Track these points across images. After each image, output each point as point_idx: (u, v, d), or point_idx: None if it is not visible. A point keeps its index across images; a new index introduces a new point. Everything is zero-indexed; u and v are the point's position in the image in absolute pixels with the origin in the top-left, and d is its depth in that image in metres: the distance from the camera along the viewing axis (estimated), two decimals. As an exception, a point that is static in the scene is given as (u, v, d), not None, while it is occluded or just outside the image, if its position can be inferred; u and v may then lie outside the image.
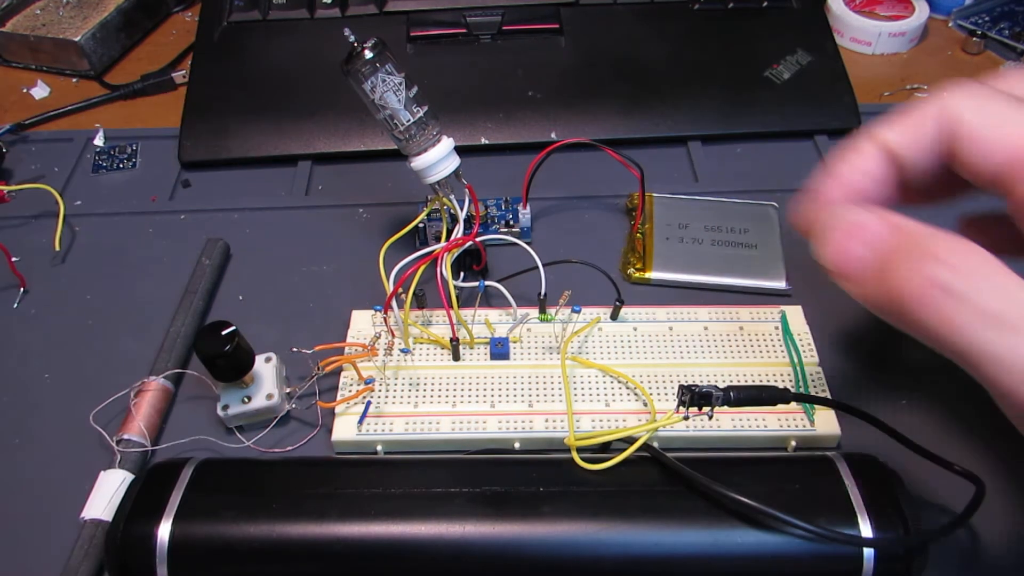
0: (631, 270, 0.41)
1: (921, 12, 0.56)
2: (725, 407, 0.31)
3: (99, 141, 0.51)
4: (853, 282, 0.25)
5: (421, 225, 0.42)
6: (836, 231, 0.25)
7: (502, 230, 0.43)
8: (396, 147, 0.38)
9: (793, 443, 0.34)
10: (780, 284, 0.40)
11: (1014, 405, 0.23)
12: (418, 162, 0.37)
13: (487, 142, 0.49)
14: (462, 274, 0.40)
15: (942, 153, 0.26)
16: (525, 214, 0.43)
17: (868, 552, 0.28)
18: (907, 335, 0.33)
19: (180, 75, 0.56)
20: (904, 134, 0.26)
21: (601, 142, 0.43)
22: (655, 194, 0.44)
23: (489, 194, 0.44)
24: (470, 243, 0.38)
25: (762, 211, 0.44)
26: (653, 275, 0.41)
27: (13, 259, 0.43)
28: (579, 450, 0.31)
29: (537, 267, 0.37)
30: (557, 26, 0.53)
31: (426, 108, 0.37)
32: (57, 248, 0.44)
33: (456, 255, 0.38)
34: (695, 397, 0.30)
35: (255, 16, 0.55)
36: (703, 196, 0.44)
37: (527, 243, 0.38)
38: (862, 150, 0.27)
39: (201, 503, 0.29)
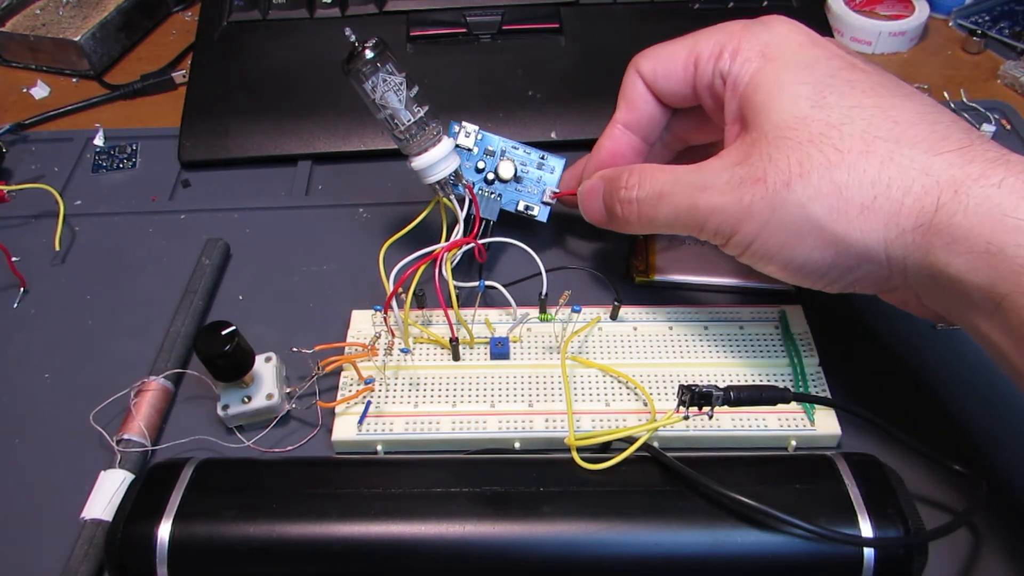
0: (635, 274, 0.41)
1: (921, 11, 0.56)
2: (725, 407, 0.31)
3: (99, 141, 0.51)
4: (603, 226, 0.37)
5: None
6: (581, 198, 0.38)
7: (521, 210, 0.42)
8: (396, 147, 0.38)
9: (793, 443, 0.34)
10: (786, 285, 0.40)
11: (723, 243, 0.32)
12: (418, 162, 0.37)
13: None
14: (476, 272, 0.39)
15: (654, 100, 0.37)
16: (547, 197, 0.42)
17: (868, 552, 0.28)
18: (906, 335, 0.37)
19: (180, 75, 0.56)
20: (625, 109, 0.37)
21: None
22: None
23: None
24: (470, 243, 0.38)
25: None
26: (657, 278, 0.40)
27: (13, 259, 0.43)
28: (579, 450, 0.31)
29: (540, 272, 0.37)
30: (557, 26, 0.53)
31: (427, 108, 0.37)
32: (57, 248, 0.44)
33: (456, 256, 0.38)
34: (695, 397, 0.30)
35: (255, 16, 0.55)
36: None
37: (527, 244, 0.38)
38: (608, 135, 0.38)
39: (201, 503, 0.29)
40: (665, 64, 0.35)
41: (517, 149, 0.42)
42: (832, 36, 0.53)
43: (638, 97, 0.37)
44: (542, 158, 0.42)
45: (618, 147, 0.38)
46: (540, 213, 0.42)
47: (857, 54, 0.33)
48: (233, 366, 0.34)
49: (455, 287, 0.37)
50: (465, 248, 0.39)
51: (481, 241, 0.39)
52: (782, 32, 0.32)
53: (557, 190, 0.42)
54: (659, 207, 0.33)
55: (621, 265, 0.42)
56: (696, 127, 0.39)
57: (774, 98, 0.30)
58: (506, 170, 0.41)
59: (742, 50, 0.32)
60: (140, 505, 0.29)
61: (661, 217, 0.34)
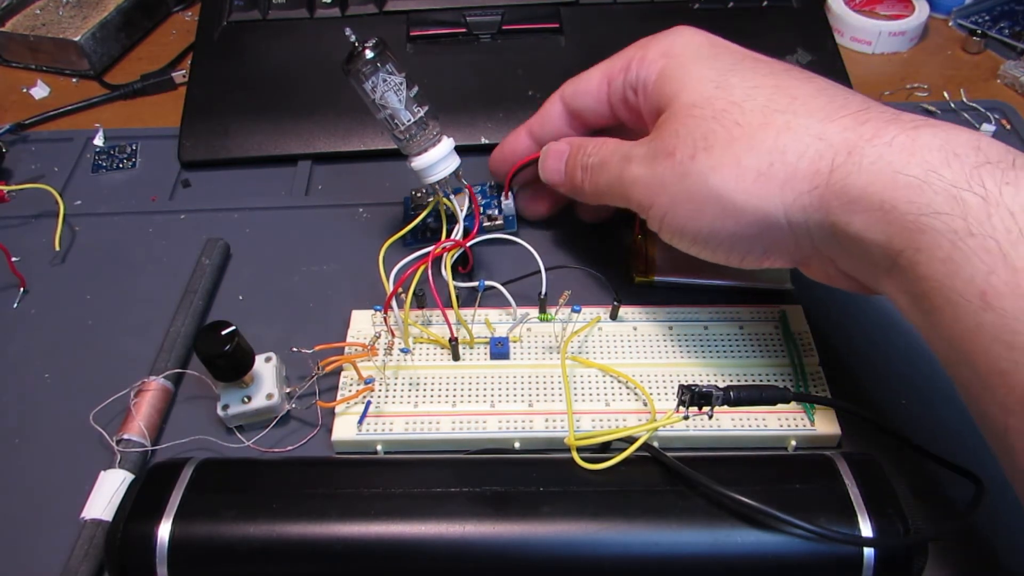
0: (635, 273, 0.41)
1: (921, 11, 0.56)
2: (725, 407, 0.31)
3: (99, 141, 0.51)
4: (557, 185, 0.39)
5: (429, 220, 0.42)
6: (542, 157, 0.39)
7: (486, 223, 0.43)
8: (396, 147, 0.38)
9: (793, 443, 0.34)
10: (785, 285, 0.40)
11: (646, 216, 0.34)
12: (418, 162, 0.37)
13: (487, 141, 0.49)
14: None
15: (566, 120, 0.39)
16: (508, 204, 0.44)
17: (868, 552, 0.28)
18: (906, 335, 0.37)
19: (180, 75, 0.56)
20: (537, 119, 0.41)
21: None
22: None
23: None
24: (461, 247, 0.38)
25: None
26: (657, 278, 0.40)
27: (13, 259, 0.43)
28: (579, 450, 0.31)
29: (540, 271, 0.37)
30: (557, 25, 0.53)
31: (426, 108, 0.37)
32: (57, 248, 0.44)
33: (456, 255, 0.38)
34: (695, 397, 0.30)
35: (255, 16, 0.55)
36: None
37: (527, 243, 0.38)
38: (514, 133, 0.42)
39: (201, 503, 0.29)
40: (583, 86, 0.38)
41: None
42: (832, 36, 0.54)
43: (552, 113, 0.40)
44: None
45: (517, 148, 0.41)
46: (506, 222, 0.43)
47: (753, 51, 0.34)
48: (233, 366, 0.34)
49: (455, 287, 0.37)
50: (471, 242, 0.39)
51: (481, 239, 0.39)
52: (685, 35, 0.35)
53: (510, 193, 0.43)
54: (600, 175, 0.35)
55: (621, 265, 0.42)
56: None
57: (682, 84, 0.32)
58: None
59: (647, 56, 0.35)
60: (140, 505, 0.29)
61: (602, 185, 0.36)
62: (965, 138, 0.26)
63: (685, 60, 0.33)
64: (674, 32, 0.35)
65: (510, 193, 0.43)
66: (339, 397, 0.36)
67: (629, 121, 0.37)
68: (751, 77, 0.31)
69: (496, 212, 0.44)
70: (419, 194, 0.44)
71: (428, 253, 0.37)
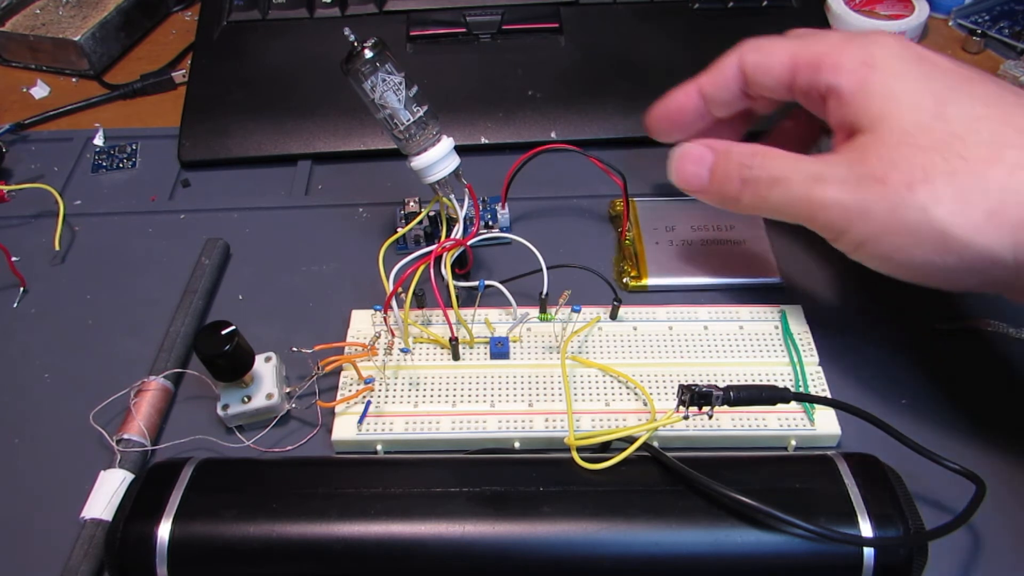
0: (627, 279, 0.41)
1: (921, 11, 0.56)
2: (725, 407, 0.31)
3: (99, 141, 0.51)
4: (693, 191, 0.37)
5: (425, 223, 0.42)
6: (675, 159, 0.37)
7: (482, 230, 0.43)
8: (396, 147, 0.38)
9: (793, 443, 0.34)
10: (774, 279, 0.40)
11: (833, 238, 0.33)
12: (418, 162, 0.37)
13: (487, 142, 0.49)
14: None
15: (741, 85, 0.37)
16: (504, 214, 0.44)
17: (868, 552, 0.28)
18: (906, 335, 0.37)
19: (180, 75, 0.56)
20: (711, 77, 0.38)
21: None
22: (637, 199, 0.44)
23: (488, 193, 0.44)
24: (461, 246, 0.38)
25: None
26: (650, 282, 0.41)
27: (13, 259, 0.43)
28: (579, 450, 0.31)
29: (540, 269, 0.37)
30: (557, 25, 0.53)
31: (426, 108, 0.37)
32: (57, 248, 0.44)
33: (456, 255, 0.38)
34: (695, 397, 0.30)
35: (255, 16, 0.55)
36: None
37: (528, 242, 0.38)
38: (683, 89, 0.39)
39: (201, 503, 0.29)
40: (766, 62, 0.36)
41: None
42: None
43: (727, 76, 0.37)
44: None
45: (686, 104, 0.39)
46: (502, 220, 0.43)
47: (965, 64, 0.32)
48: (233, 366, 0.34)
49: (455, 287, 0.37)
50: (472, 242, 0.39)
51: (481, 237, 0.39)
52: (890, 45, 0.33)
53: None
54: (773, 191, 0.33)
55: (612, 271, 0.42)
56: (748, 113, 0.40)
57: (892, 107, 0.31)
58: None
59: (843, 62, 0.33)
60: (140, 505, 0.29)
61: (772, 201, 0.34)
62: None
63: (892, 77, 0.31)
64: (875, 40, 0.33)
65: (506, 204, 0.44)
66: (339, 397, 0.36)
67: (812, 108, 0.36)
68: (970, 106, 0.30)
69: (492, 221, 0.44)
70: (412, 203, 0.44)
71: (428, 253, 0.37)
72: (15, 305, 0.42)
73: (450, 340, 0.36)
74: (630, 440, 0.31)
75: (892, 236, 0.30)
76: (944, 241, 0.29)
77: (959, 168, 0.29)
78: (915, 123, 0.30)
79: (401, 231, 0.41)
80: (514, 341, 0.38)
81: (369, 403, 0.35)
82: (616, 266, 0.42)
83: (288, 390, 0.36)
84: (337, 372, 0.37)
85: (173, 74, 0.56)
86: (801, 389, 0.35)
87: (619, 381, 0.36)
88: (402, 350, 0.37)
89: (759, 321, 0.38)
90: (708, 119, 0.40)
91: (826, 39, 0.34)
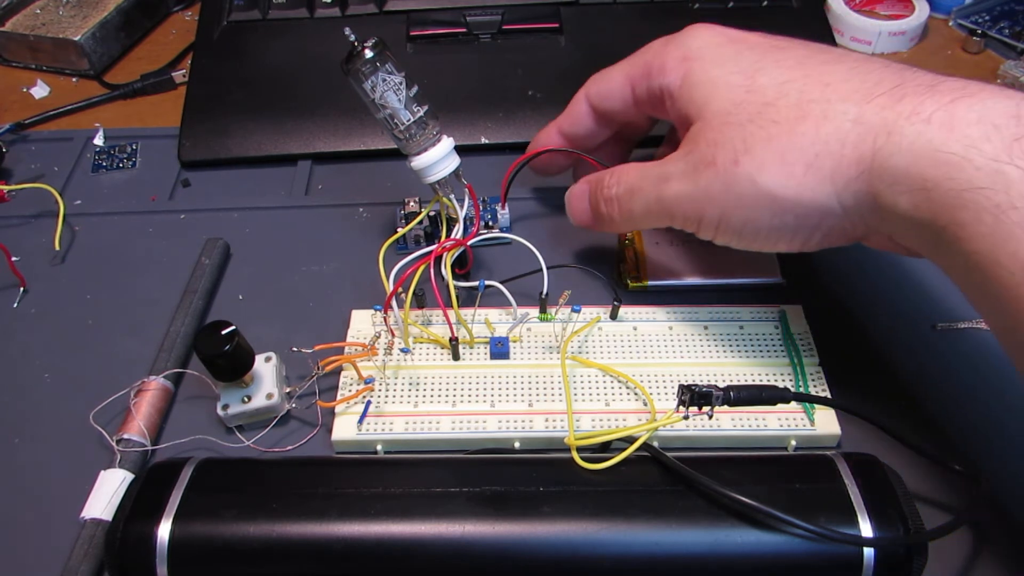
0: (627, 279, 0.41)
1: (921, 11, 0.56)
2: (725, 407, 0.31)
3: (99, 141, 0.51)
4: (586, 225, 0.39)
5: (425, 223, 0.42)
6: (567, 203, 0.40)
7: (482, 230, 0.43)
8: (396, 147, 0.38)
9: (793, 443, 0.34)
10: (774, 279, 0.40)
11: (695, 230, 0.34)
12: (418, 161, 0.37)
13: (487, 142, 0.49)
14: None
15: (594, 117, 0.39)
16: (504, 214, 0.44)
17: (868, 552, 0.28)
18: (906, 335, 0.37)
19: (180, 74, 0.56)
20: (566, 117, 0.40)
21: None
22: None
23: (488, 193, 0.44)
24: (462, 246, 0.38)
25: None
26: (650, 282, 0.40)
27: (13, 259, 0.43)
28: (579, 450, 0.31)
29: (540, 269, 0.37)
30: (557, 25, 0.53)
31: (426, 108, 0.37)
32: (57, 248, 0.44)
33: (456, 254, 0.38)
34: (695, 397, 0.30)
35: (255, 15, 0.55)
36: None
37: (528, 242, 0.38)
38: (545, 132, 0.42)
39: (201, 503, 0.29)
40: (607, 89, 0.38)
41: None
42: (832, 36, 0.54)
43: (579, 112, 0.40)
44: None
45: (549, 144, 0.41)
46: (502, 220, 0.44)
47: (777, 36, 0.34)
48: (233, 366, 0.34)
49: (455, 287, 0.37)
50: (472, 242, 0.39)
51: (481, 237, 0.39)
52: (701, 36, 0.35)
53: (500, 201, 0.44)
54: (633, 201, 0.35)
55: (613, 272, 0.42)
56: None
57: (709, 91, 0.33)
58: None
59: (667, 63, 0.35)
60: (140, 505, 0.29)
61: (636, 211, 0.35)
62: (1004, 106, 0.26)
63: (708, 65, 0.33)
64: (690, 33, 0.35)
65: (506, 204, 0.43)
66: (339, 397, 0.36)
67: (666, 118, 0.37)
68: (779, 72, 0.31)
69: (492, 222, 0.44)
70: (412, 203, 0.44)
71: (428, 253, 0.37)
72: (15, 305, 0.42)
73: (450, 340, 0.36)
74: (630, 440, 0.31)
75: (735, 212, 0.31)
76: (777, 204, 0.30)
77: (774, 133, 0.30)
78: (731, 101, 0.32)
79: (401, 231, 0.41)
80: (514, 341, 0.38)
81: (369, 403, 0.35)
82: (616, 266, 0.42)
83: (288, 390, 0.36)
84: (337, 372, 0.37)
85: (173, 74, 0.56)
86: (801, 389, 0.35)
87: (619, 381, 0.36)
88: (402, 350, 0.37)
89: (759, 321, 0.38)
90: (593, 144, 0.41)
91: (650, 47, 0.36)
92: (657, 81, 0.35)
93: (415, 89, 0.36)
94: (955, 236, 0.26)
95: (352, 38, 0.35)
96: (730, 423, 0.34)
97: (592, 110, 0.39)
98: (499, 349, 0.37)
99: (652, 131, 0.42)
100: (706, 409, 0.30)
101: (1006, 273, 0.24)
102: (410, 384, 0.36)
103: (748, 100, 0.31)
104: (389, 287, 0.36)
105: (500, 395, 0.36)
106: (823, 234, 0.31)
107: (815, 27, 0.54)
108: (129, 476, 0.33)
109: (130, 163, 0.50)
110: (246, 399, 0.35)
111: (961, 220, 0.25)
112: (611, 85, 0.38)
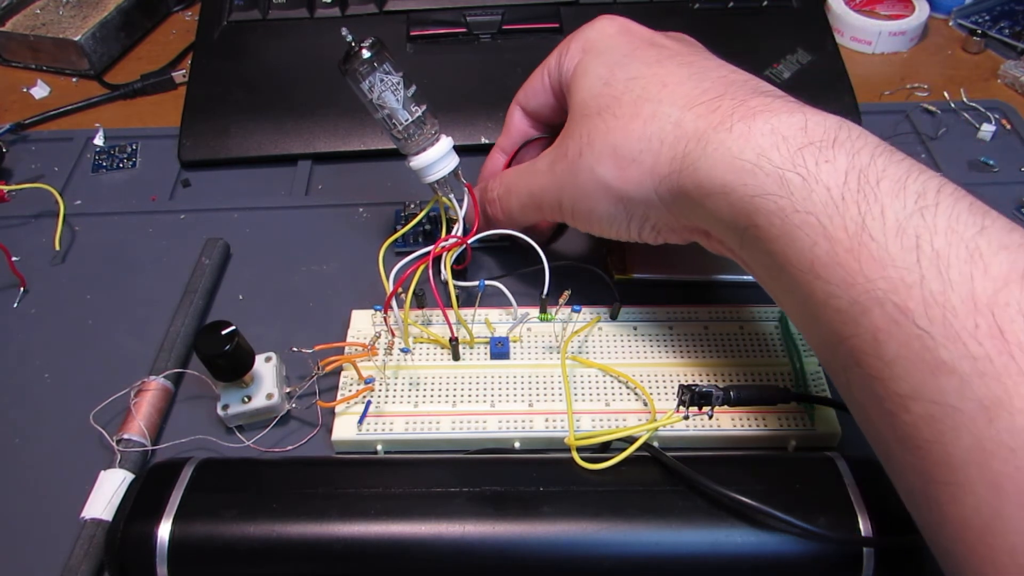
0: (613, 271, 0.41)
1: (921, 11, 0.56)
2: (725, 406, 0.31)
3: (99, 141, 0.51)
4: (485, 230, 0.39)
5: (425, 223, 0.42)
6: (469, 212, 0.39)
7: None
8: (395, 146, 0.38)
9: (793, 443, 0.34)
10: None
11: (560, 217, 0.36)
12: (417, 161, 0.37)
13: (487, 141, 0.49)
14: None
15: (531, 125, 0.40)
16: None
17: (868, 552, 0.28)
18: None
19: (180, 75, 0.56)
20: (505, 136, 0.41)
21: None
22: None
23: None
24: (462, 245, 0.38)
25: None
26: (636, 276, 0.40)
27: (13, 259, 0.43)
28: (579, 450, 0.31)
29: (542, 264, 0.37)
30: (557, 25, 0.53)
31: (424, 107, 0.37)
32: (57, 248, 0.44)
33: (456, 254, 0.38)
34: (695, 396, 0.30)
35: (255, 16, 0.55)
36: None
37: (528, 241, 0.38)
38: (491, 158, 0.42)
39: (201, 503, 0.29)
40: (530, 87, 0.39)
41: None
42: (832, 36, 0.54)
43: (514, 123, 0.41)
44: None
45: (495, 169, 0.42)
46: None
47: (666, 33, 0.35)
48: (233, 366, 0.34)
49: (455, 287, 0.37)
50: (469, 242, 0.39)
51: (484, 235, 0.39)
52: (599, 27, 0.35)
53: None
54: (510, 199, 0.38)
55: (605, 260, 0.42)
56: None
57: (580, 83, 0.34)
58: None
59: (570, 53, 0.36)
60: (140, 505, 0.29)
61: (514, 208, 0.38)
62: (795, 120, 0.27)
63: (591, 57, 0.34)
64: (592, 25, 0.36)
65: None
66: (339, 397, 0.36)
67: None
68: (633, 68, 0.32)
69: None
70: (412, 205, 0.44)
71: (428, 253, 0.37)
72: (15, 305, 0.42)
73: (450, 340, 0.36)
74: (630, 440, 0.31)
75: (581, 200, 0.33)
76: (611, 193, 0.32)
77: (612, 127, 0.31)
78: (591, 93, 0.33)
79: (401, 231, 0.41)
80: (514, 341, 0.38)
81: (369, 403, 0.35)
82: (604, 258, 0.42)
83: (288, 390, 0.36)
84: (337, 372, 0.37)
85: (173, 74, 0.56)
86: (801, 389, 0.35)
87: (619, 381, 0.36)
88: (402, 350, 0.37)
89: (759, 321, 0.38)
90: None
91: (565, 40, 0.37)
92: (558, 71, 0.36)
93: (413, 89, 0.36)
94: (755, 236, 0.28)
95: (349, 38, 0.35)
96: (730, 423, 0.34)
97: (524, 114, 0.40)
98: (499, 349, 0.37)
99: None
100: (706, 409, 0.30)
101: (795, 270, 0.26)
102: (410, 384, 0.36)
103: (603, 93, 0.32)
104: (389, 287, 0.36)
105: (500, 395, 0.36)
106: (652, 225, 0.33)
107: (815, 27, 0.54)
108: (129, 476, 0.33)
109: (130, 163, 0.50)
110: (246, 399, 0.35)
111: (756, 222, 0.27)
112: (534, 83, 0.39)
